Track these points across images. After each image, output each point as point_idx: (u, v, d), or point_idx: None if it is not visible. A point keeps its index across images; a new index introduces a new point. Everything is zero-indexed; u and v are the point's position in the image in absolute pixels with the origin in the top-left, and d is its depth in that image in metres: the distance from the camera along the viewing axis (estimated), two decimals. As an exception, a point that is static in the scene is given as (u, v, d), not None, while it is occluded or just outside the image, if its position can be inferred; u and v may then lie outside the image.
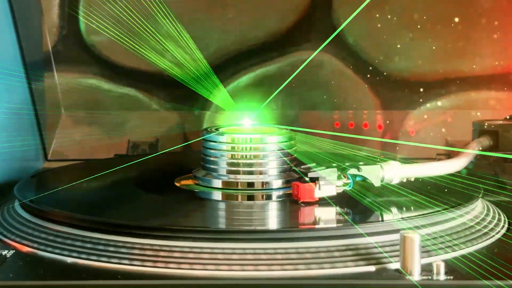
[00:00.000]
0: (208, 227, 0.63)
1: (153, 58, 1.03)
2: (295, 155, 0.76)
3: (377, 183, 0.69)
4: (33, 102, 1.00)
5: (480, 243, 0.63)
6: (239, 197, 0.73)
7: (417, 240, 0.54)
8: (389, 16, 1.03)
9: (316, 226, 0.64)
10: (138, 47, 1.02)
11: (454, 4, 1.02)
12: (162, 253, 0.58)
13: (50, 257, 0.60)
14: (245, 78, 1.07)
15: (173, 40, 1.06)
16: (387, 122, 1.07)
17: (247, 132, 0.76)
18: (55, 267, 0.58)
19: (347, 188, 0.69)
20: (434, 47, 1.04)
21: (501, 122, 0.91)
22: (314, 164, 0.69)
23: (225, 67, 1.06)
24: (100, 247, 0.59)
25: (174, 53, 1.05)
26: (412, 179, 0.71)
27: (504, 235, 0.67)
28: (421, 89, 1.06)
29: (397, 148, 1.06)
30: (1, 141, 0.89)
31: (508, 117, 0.95)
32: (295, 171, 0.71)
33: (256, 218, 0.68)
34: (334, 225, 0.64)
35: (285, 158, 0.75)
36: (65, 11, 1.05)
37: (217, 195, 0.74)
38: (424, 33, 1.04)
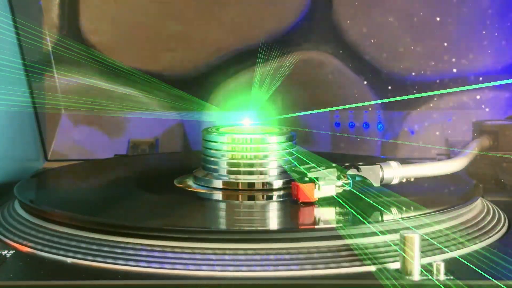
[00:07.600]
0: (208, 227, 0.63)
1: (153, 58, 1.03)
2: (295, 155, 0.76)
3: (376, 183, 0.69)
4: (33, 102, 1.00)
5: (480, 243, 0.63)
6: (240, 197, 0.73)
7: (417, 240, 0.54)
8: (389, 16, 1.03)
9: (315, 226, 0.64)
10: (138, 47, 1.02)
11: (455, 4, 1.02)
12: (160, 254, 0.58)
13: (50, 257, 0.60)
14: (245, 78, 1.07)
15: (173, 40, 1.06)
16: (387, 122, 1.07)
17: (247, 132, 0.76)
18: (55, 267, 0.58)
19: (346, 188, 0.69)
20: (434, 47, 1.04)
21: (501, 122, 0.91)
22: (313, 164, 0.69)
23: (225, 67, 1.06)
24: (100, 247, 0.59)
25: (174, 52, 1.05)
26: (412, 179, 0.71)
27: (504, 235, 0.67)
28: (421, 89, 1.06)
29: (397, 148, 1.06)
30: (1, 141, 0.89)
31: (508, 117, 0.95)
32: (295, 171, 0.71)
33: (257, 218, 0.68)
34: (334, 225, 0.64)
35: (285, 158, 0.75)
36: (65, 11, 1.05)
37: (218, 195, 0.74)
38: (424, 33, 1.04)
